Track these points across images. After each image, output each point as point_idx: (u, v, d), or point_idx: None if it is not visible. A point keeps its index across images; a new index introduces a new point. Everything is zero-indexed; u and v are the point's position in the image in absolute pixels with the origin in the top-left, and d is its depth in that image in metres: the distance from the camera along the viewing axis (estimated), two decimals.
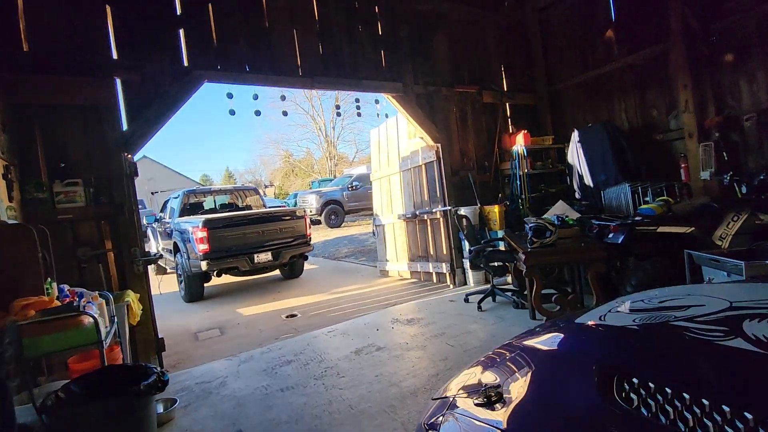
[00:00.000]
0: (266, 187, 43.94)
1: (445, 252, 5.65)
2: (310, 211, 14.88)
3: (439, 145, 5.48)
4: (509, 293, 4.54)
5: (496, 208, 5.46)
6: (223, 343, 4.39)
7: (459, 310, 4.47)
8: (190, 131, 71.45)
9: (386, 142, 6.67)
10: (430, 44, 5.62)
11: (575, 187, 5.86)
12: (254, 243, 6.29)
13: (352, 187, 15.52)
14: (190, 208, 7.59)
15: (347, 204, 15.34)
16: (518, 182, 5.79)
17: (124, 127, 3.56)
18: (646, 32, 5.40)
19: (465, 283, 5.58)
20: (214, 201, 8.04)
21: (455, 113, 5.81)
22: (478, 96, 5.99)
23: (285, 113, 4.67)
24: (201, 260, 5.87)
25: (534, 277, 3.42)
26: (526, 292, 4.56)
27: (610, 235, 3.38)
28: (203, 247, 5.86)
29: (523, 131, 5.83)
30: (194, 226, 5.97)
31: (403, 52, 5.32)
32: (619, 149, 5.35)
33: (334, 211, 14.95)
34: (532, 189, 5.89)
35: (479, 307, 4.36)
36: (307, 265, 7.85)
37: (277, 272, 7.64)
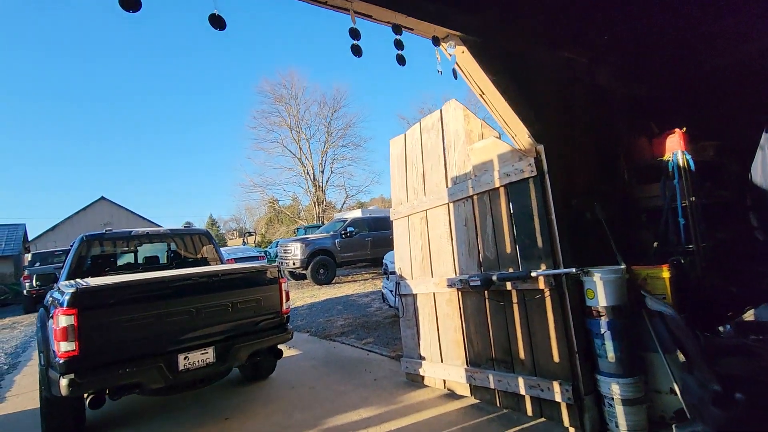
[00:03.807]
0: (249, 235, 40.96)
1: (556, 358, 2.81)
2: (293, 264, 11.93)
3: (542, 147, 2.81)
4: None
5: (663, 271, 2.71)
6: None
7: None
8: (173, 180, 69.05)
9: (420, 155, 4.00)
10: None
11: None
12: (179, 332, 3.34)
13: (346, 233, 12.72)
14: (93, 266, 4.63)
15: (340, 254, 12.46)
16: (682, 220, 3.10)
17: None
18: None
19: (602, 430, 2.70)
20: (135, 253, 5.08)
21: (558, 96, 3.22)
22: (588, 72, 3.45)
23: None
24: (61, 374, 2.89)
25: None
26: None
27: None
28: (66, 347, 2.89)
29: (677, 130, 3.23)
30: (57, 305, 3.03)
31: None
32: None
33: (324, 263, 12.02)
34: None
35: None
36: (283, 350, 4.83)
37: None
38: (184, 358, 3.32)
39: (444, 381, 3.72)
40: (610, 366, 2.65)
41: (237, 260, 11.91)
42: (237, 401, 4.11)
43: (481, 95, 2.79)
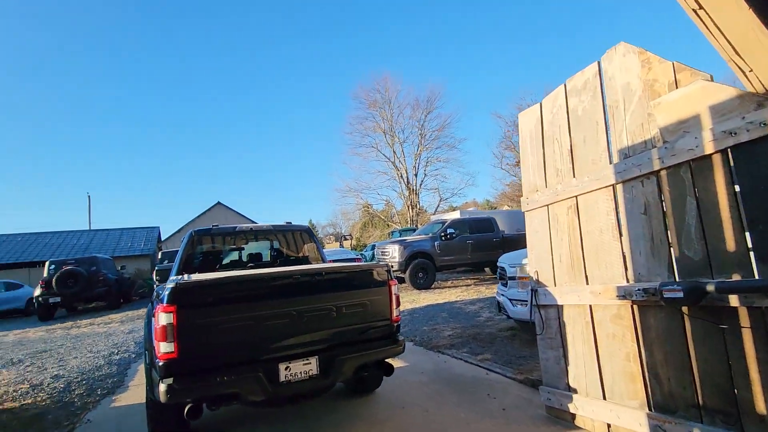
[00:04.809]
0: (345, 238, 42.30)
1: None
2: (391, 266, 11.50)
3: None
4: None
5: None
6: None
7: None
8: (277, 186, 75.04)
9: (566, 126, 3.10)
10: None
11: None
12: (280, 338, 2.91)
13: (446, 235, 11.94)
14: (202, 262, 4.56)
15: (440, 258, 11.71)
16: None
17: None
18: None
19: None
20: (240, 251, 4.93)
21: None
22: None
23: None
24: (160, 378, 2.62)
25: None
26: None
27: None
28: (165, 348, 2.61)
29: None
30: (159, 301, 2.79)
31: None
32: None
33: (423, 266, 11.38)
34: None
35: None
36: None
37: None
38: (285, 368, 2.88)
39: (608, 425, 2.75)
40: None
41: (335, 261, 11.89)
42: (340, 418, 3.61)
43: (695, 10, 1.84)
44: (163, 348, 2.61)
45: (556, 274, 3.16)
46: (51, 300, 12.62)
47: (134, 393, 4.75)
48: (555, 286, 3.16)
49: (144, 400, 3.37)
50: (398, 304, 3.42)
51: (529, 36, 61.06)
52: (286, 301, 2.93)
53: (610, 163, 2.71)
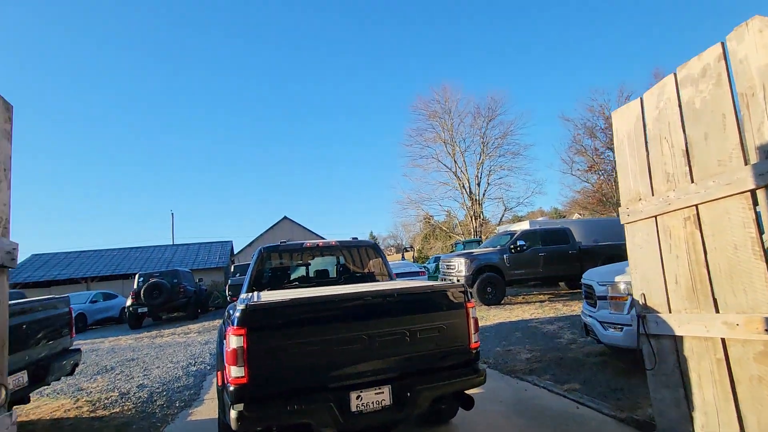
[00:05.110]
0: (405, 250, 42.06)
1: None
2: (458, 281, 11.02)
3: None
4: None
5: None
6: None
7: None
8: (336, 196, 77.14)
9: (678, 121, 2.61)
10: None
11: None
12: (350, 364, 2.71)
13: (515, 248, 11.22)
14: (272, 277, 4.54)
15: (509, 272, 11.01)
16: None
17: None
18: None
19: None
20: (307, 267, 4.86)
21: None
22: None
23: None
24: (232, 404, 2.53)
25: None
26: None
27: None
28: (236, 372, 2.52)
29: None
30: (229, 323, 2.73)
31: None
32: None
33: (491, 281, 10.77)
34: None
35: None
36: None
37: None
38: (357, 398, 2.67)
39: None
40: None
41: (399, 275, 11.68)
42: None
43: None
44: (234, 372, 2.52)
45: (671, 298, 2.65)
46: (140, 310, 13.74)
47: (208, 407, 4.82)
48: (670, 312, 2.65)
49: (216, 416, 3.36)
50: (477, 329, 3.08)
51: (596, 36, 57.60)
52: (358, 324, 2.74)
53: (746, 163, 2.20)
